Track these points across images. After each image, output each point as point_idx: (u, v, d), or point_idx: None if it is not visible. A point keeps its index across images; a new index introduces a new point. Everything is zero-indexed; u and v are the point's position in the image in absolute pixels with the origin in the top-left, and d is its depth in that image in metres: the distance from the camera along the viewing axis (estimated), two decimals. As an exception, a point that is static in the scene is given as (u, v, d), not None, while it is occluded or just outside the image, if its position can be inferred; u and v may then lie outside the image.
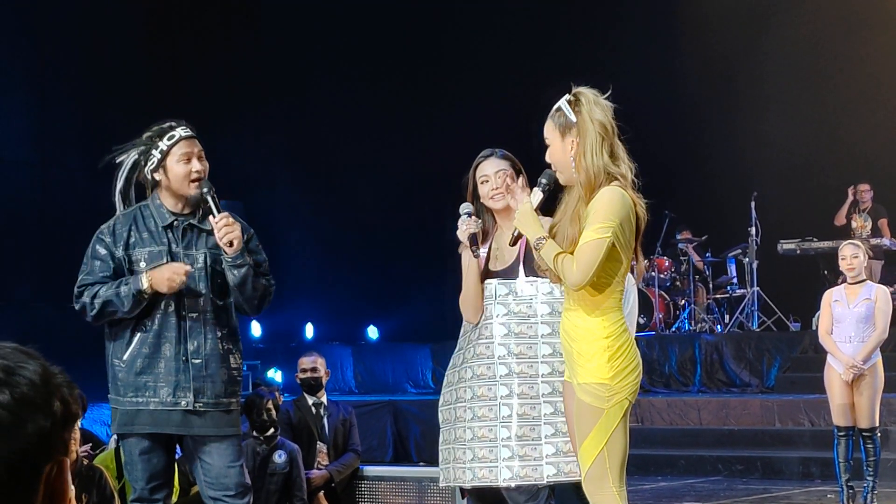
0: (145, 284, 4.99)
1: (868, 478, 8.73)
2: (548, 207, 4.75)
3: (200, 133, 5.24)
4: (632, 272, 4.70)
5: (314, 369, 9.01)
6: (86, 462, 7.68)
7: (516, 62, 17.10)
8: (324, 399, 9.01)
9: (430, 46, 17.35)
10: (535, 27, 17.46)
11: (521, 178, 5.30)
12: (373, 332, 17.90)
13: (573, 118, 4.51)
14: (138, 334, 5.10)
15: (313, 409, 8.95)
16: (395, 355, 16.23)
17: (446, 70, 17.13)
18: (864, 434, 8.65)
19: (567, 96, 4.57)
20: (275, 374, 14.52)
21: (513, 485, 4.95)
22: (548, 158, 4.63)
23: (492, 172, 5.25)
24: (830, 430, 8.96)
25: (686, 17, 16.71)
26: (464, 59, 17.17)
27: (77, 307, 5.14)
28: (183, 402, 5.05)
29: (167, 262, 5.09)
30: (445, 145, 15.02)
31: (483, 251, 5.23)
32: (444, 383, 5.33)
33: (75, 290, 5.15)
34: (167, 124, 5.18)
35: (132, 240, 5.13)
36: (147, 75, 15.16)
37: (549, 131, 4.60)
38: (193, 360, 5.07)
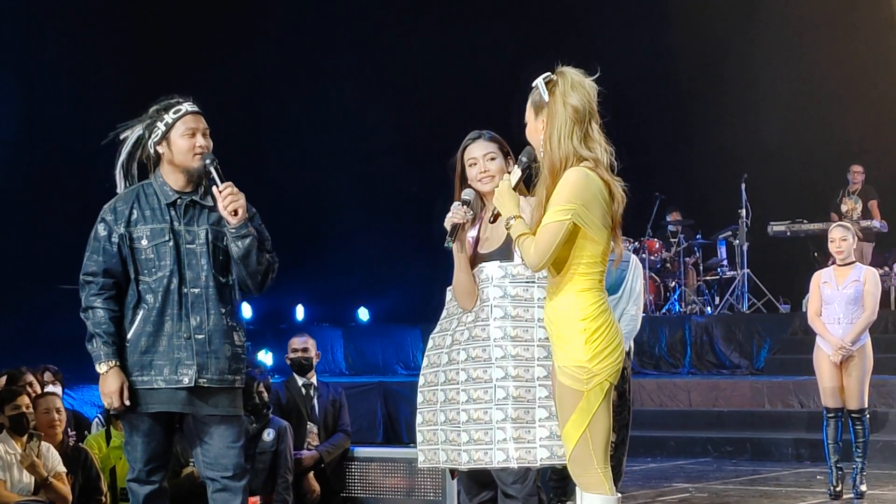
0: (99, 370, 5.07)
1: (857, 459, 8.75)
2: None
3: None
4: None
5: (305, 350, 9.01)
6: (72, 443, 7.69)
7: (503, 42, 17.06)
8: (314, 380, 9.01)
9: (420, 26, 17.32)
10: (523, 6, 17.42)
11: (510, 160, 5.28)
12: (363, 314, 17.90)
13: (546, 98, 4.46)
14: (141, 312, 5.09)
15: (303, 390, 8.95)
16: (386, 337, 16.24)
17: (434, 51, 17.07)
18: (853, 415, 8.66)
19: (546, 74, 4.51)
20: (265, 356, 14.53)
21: (508, 466, 4.95)
22: (526, 136, 4.62)
23: (480, 155, 5.23)
24: (820, 411, 8.98)
25: (677, 2, 16.68)
26: (452, 39, 17.11)
27: (81, 295, 5.15)
28: (185, 380, 5.04)
29: (169, 239, 5.09)
30: (434, 126, 15.01)
31: (472, 233, 5.21)
32: (426, 364, 5.31)
33: (81, 275, 5.13)
34: (174, 99, 5.19)
35: (134, 216, 5.11)
36: (136, 57, 15.11)
37: (527, 109, 4.58)
38: (196, 336, 5.06)
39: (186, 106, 5.16)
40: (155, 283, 5.08)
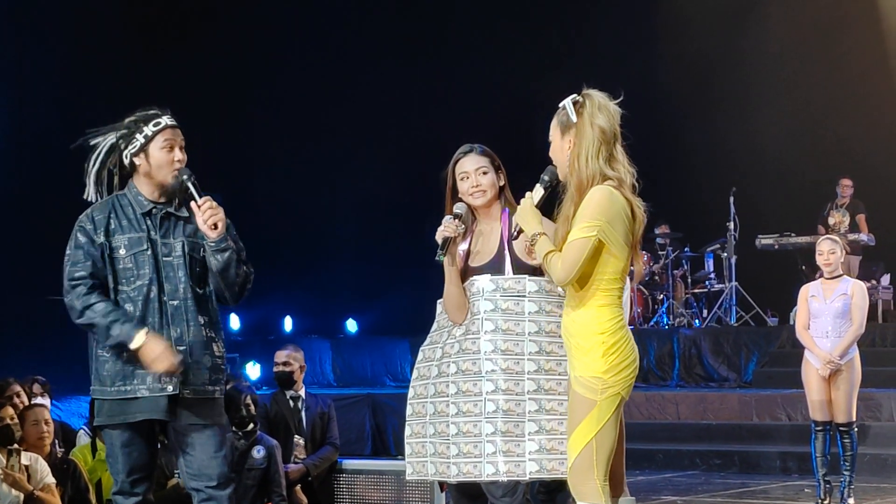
0: (135, 345, 4.96)
1: (845, 472, 8.75)
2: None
3: (179, 123, 5.22)
4: (630, 275, 4.72)
5: (287, 363, 8.97)
6: (60, 455, 7.66)
7: (494, 60, 17.10)
8: (301, 392, 8.99)
9: (412, 43, 17.33)
10: (514, 24, 17.45)
11: (501, 174, 5.29)
12: (352, 326, 17.89)
13: (574, 119, 4.56)
14: None
15: (291, 402, 8.92)
16: (374, 349, 16.23)
17: (426, 69, 17.09)
18: (841, 429, 8.67)
19: (574, 96, 4.61)
20: (253, 368, 14.52)
21: (498, 480, 4.95)
22: (550, 154, 4.69)
23: (472, 169, 5.23)
24: (808, 424, 8.98)
25: (665, 12, 16.73)
26: (443, 58, 17.15)
27: (66, 300, 5.07)
28: (169, 388, 5.00)
29: (147, 248, 5.07)
30: (423, 138, 15.01)
31: (463, 246, 5.22)
32: (416, 376, 5.31)
33: (66, 281, 5.07)
34: (153, 111, 5.18)
35: (111, 226, 5.08)
36: (125, 62, 15.08)
37: (552, 128, 4.66)
38: (178, 347, 5.03)
39: (166, 119, 5.15)
40: (134, 293, 5.05)
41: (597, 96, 4.60)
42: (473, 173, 5.22)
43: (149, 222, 5.12)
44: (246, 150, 16.55)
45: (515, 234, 4.82)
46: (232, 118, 16.08)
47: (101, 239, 5.07)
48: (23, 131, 14.61)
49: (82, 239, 5.09)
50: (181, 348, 5.04)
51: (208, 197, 5.07)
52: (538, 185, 4.77)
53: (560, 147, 4.63)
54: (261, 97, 16.72)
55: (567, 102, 4.59)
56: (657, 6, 16.95)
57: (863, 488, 9.56)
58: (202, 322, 5.14)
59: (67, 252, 5.12)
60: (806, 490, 9.89)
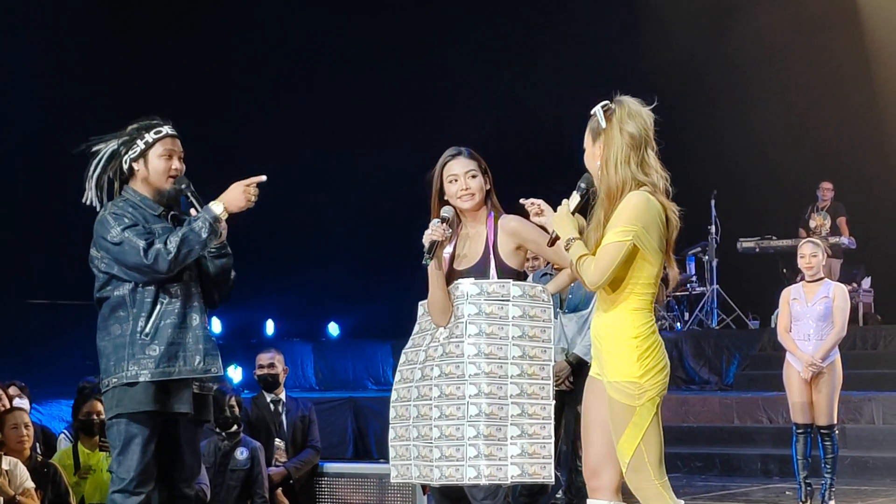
0: (219, 209, 5.12)
1: (826, 475, 8.77)
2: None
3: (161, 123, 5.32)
4: (664, 280, 4.74)
5: (271, 366, 8.99)
6: (40, 459, 7.63)
7: (477, 64, 17.12)
8: (282, 396, 8.98)
9: (402, 48, 17.32)
10: (498, 25, 17.47)
11: (487, 179, 5.29)
12: (334, 329, 17.86)
13: (603, 125, 4.58)
14: (159, 306, 5.15)
15: (272, 405, 8.92)
16: (356, 352, 16.22)
17: (412, 74, 17.08)
18: (822, 431, 8.68)
19: (605, 103, 4.62)
20: (235, 371, 14.48)
21: (479, 483, 4.94)
22: (584, 162, 4.70)
23: (461, 172, 5.23)
24: (789, 427, 9.00)
25: (648, 16, 16.76)
26: (428, 63, 17.14)
27: (149, 259, 5.06)
28: (213, 369, 5.17)
29: None
30: (408, 142, 15.01)
31: (448, 249, 5.22)
32: (398, 379, 5.32)
33: (142, 245, 5.07)
34: (155, 120, 5.30)
35: (140, 218, 5.19)
36: (108, 63, 15.06)
37: (585, 136, 4.68)
38: (201, 341, 5.19)
39: (167, 129, 5.28)
40: (173, 278, 5.16)
41: (628, 102, 4.62)
42: (463, 176, 5.22)
43: (159, 225, 5.23)
44: (227, 153, 16.50)
45: (550, 240, 4.79)
46: (213, 121, 16.03)
47: (147, 225, 5.17)
48: (5, 135, 14.56)
49: (129, 221, 5.13)
50: (213, 339, 5.24)
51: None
52: (575, 192, 4.75)
53: (591, 154, 4.64)
54: (243, 100, 16.68)
55: (597, 109, 4.61)
56: (640, 9, 16.97)
57: (844, 491, 9.58)
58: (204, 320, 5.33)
59: (116, 239, 5.11)
60: (787, 493, 9.90)
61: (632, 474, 4.54)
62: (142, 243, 5.06)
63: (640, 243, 4.48)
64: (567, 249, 4.62)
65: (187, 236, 5.07)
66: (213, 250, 5.22)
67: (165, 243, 5.06)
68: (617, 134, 4.54)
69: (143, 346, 5.12)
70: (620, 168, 4.52)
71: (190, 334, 5.16)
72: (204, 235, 5.08)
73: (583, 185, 4.73)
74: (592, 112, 4.63)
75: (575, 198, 4.74)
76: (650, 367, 4.51)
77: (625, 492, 4.66)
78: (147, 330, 5.11)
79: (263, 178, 5.20)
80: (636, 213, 4.48)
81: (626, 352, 4.51)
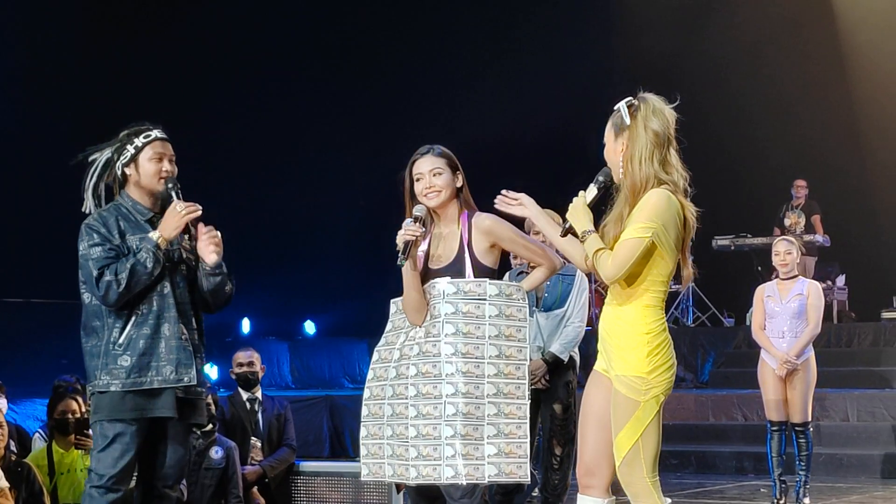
0: (156, 237, 5.19)
1: (800, 472, 8.80)
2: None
3: (137, 123, 5.42)
4: (677, 278, 4.78)
5: (251, 364, 8.98)
6: (14, 458, 7.60)
7: (450, 62, 17.12)
8: (259, 394, 8.97)
9: (373, 44, 17.31)
10: (473, 20, 17.47)
11: (458, 175, 5.28)
12: (310, 327, 17.84)
13: (627, 121, 4.59)
14: (133, 318, 5.22)
15: (248, 404, 8.91)
16: (332, 350, 16.21)
17: (386, 69, 17.08)
18: (796, 429, 8.71)
19: (629, 99, 4.64)
20: (210, 370, 14.45)
21: (457, 483, 4.94)
22: (605, 156, 4.70)
23: (426, 170, 5.22)
24: (764, 424, 9.03)
25: (623, 12, 16.78)
26: (402, 58, 17.14)
27: (100, 291, 5.17)
28: (185, 379, 5.20)
29: None
30: (382, 140, 14.99)
31: (422, 248, 5.21)
32: (371, 377, 5.32)
33: (94, 274, 5.17)
34: (145, 125, 5.41)
35: (122, 228, 5.27)
36: (86, 74, 15.01)
37: (607, 130, 4.68)
38: (185, 347, 5.26)
39: (156, 132, 5.39)
40: (148, 290, 5.23)
41: (652, 100, 4.65)
42: (428, 174, 5.21)
43: (150, 229, 5.29)
44: (203, 152, 16.47)
45: (564, 231, 4.78)
46: (190, 121, 15.99)
47: (116, 241, 5.25)
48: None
49: (97, 238, 5.23)
50: (189, 348, 5.25)
51: (212, 227, 5.34)
52: (592, 185, 4.75)
53: (613, 149, 4.65)
54: (221, 99, 16.64)
55: (622, 105, 4.63)
56: (618, 6, 16.99)
57: (818, 488, 9.63)
58: (195, 328, 5.38)
59: (82, 253, 5.25)
60: (762, 490, 9.94)
61: (625, 468, 4.55)
62: (96, 271, 5.16)
63: (658, 241, 4.51)
64: (582, 242, 4.63)
65: (135, 267, 5.15)
66: (207, 269, 5.33)
67: (116, 274, 5.14)
68: (642, 131, 4.57)
69: (115, 357, 5.20)
70: (644, 165, 4.55)
71: (163, 344, 5.21)
72: (150, 265, 5.17)
73: (601, 179, 4.74)
74: (616, 108, 4.65)
75: (592, 190, 4.74)
76: (658, 364, 4.54)
77: (614, 486, 4.66)
78: (120, 341, 5.20)
79: (198, 210, 5.27)
80: (657, 210, 4.50)
81: (636, 347, 4.54)
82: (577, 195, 4.73)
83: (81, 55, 15.11)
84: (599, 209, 4.74)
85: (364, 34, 17.39)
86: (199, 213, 5.27)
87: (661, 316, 4.60)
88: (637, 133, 4.57)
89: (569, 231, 4.75)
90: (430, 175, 5.20)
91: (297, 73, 17.16)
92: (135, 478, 5.35)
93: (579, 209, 4.69)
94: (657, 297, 4.59)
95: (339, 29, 17.39)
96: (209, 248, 5.30)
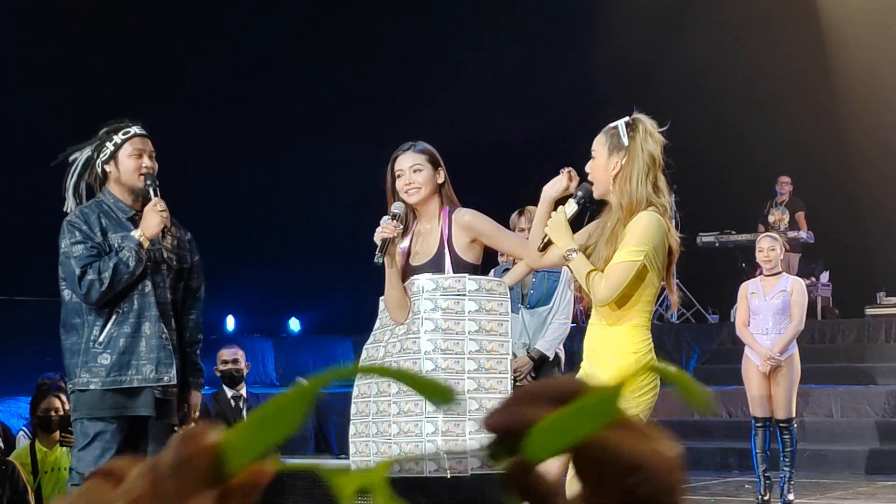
0: (138, 235, 5.19)
1: (785, 468, 8.82)
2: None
3: (116, 122, 5.41)
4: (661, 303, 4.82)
5: (235, 361, 8.96)
6: (-2, 456, 7.58)
7: (428, 60, 17.13)
8: (243, 392, 8.96)
9: (357, 43, 17.30)
10: (449, 24, 17.47)
11: (440, 171, 5.27)
12: (294, 325, 17.82)
13: (626, 142, 4.62)
14: (114, 316, 5.23)
15: (232, 401, 8.89)
16: (317, 348, 16.19)
17: (370, 68, 17.07)
18: (781, 425, 8.73)
19: (627, 119, 4.67)
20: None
21: (441, 477, 4.95)
22: (587, 169, 4.72)
23: (406, 167, 5.23)
24: (748, 421, 9.05)
25: (604, 11, 16.79)
26: (386, 58, 17.14)
27: (83, 290, 5.19)
28: (165, 378, 5.20)
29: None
30: (367, 137, 14.98)
31: (403, 244, 5.21)
32: (360, 375, 5.31)
33: (76, 272, 5.19)
34: (123, 122, 5.41)
35: (104, 225, 5.27)
36: (68, 72, 14.97)
37: (599, 145, 4.69)
38: (166, 346, 5.27)
39: (135, 129, 5.39)
40: (129, 288, 5.24)
41: (647, 121, 4.69)
42: (408, 171, 5.21)
43: (132, 226, 5.30)
44: (184, 149, 16.44)
45: (542, 246, 4.79)
46: (168, 116, 15.97)
47: (98, 238, 5.26)
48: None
49: (79, 236, 5.25)
50: (169, 347, 5.26)
51: (159, 199, 5.28)
52: (571, 201, 4.77)
53: (604, 165, 4.65)
54: (204, 98, 16.61)
55: (621, 125, 4.65)
56: (595, 7, 17.00)
57: (802, 484, 9.64)
58: (175, 327, 5.40)
59: (64, 250, 5.28)
60: (746, 486, 9.96)
61: None
62: (79, 269, 5.17)
63: (649, 263, 4.55)
64: (568, 260, 4.64)
65: (118, 267, 5.16)
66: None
67: (99, 273, 5.16)
68: (639, 152, 4.60)
69: (95, 355, 5.21)
70: (641, 186, 4.57)
71: (143, 343, 5.22)
72: (132, 265, 5.18)
73: (580, 195, 4.76)
74: (613, 125, 4.67)
75: (572, 205, 4.77)
76: (642, 385, 4.54)
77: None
78: (101, 339, 5.22)
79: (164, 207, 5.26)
80: (647, 233, 4.53)
81: (623, 366, 4.55)
82: (556, 210, 4.75)
83: (63, 52, 15.06)
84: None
85: (347, 34, 17.39)
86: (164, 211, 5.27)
87: (648, 336, 4.65)
88: (636, 154, 4.60)
89: (548, 245, 4.77)
90: (411, 171, 5.20)
91: (281, 71, 17.14)
92: None
93: (561, 225, 4.71)
94: (645, 318, 4.64)
95: (324, 28, 17.39)
96: (159, 216, 5.25)
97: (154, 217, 5.20)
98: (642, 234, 4.52)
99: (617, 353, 4.59)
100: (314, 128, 16.99)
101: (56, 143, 5.53)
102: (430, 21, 17.39)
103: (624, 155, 4.60)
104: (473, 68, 16.94)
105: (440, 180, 5.26)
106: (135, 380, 5.19)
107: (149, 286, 5.26)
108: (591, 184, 4.72)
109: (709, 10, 16.63)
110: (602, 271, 4.55)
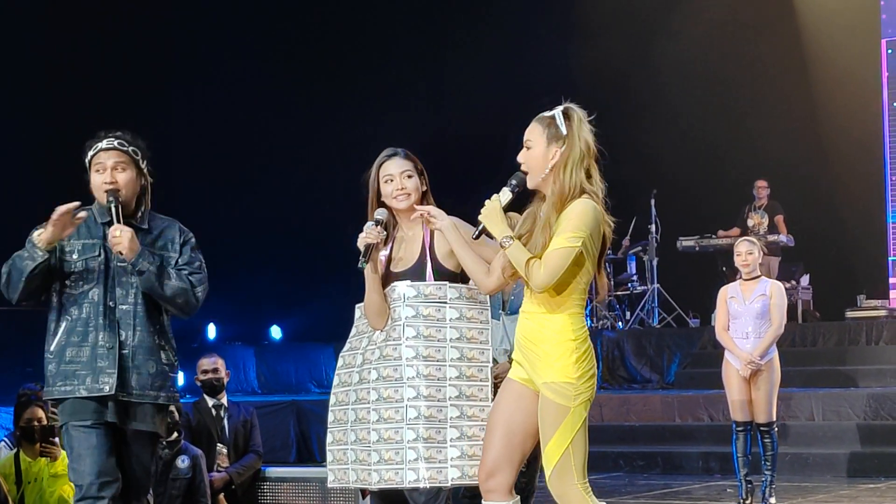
0: (34, 234, 5.15)
1: (766, 472, 8.84)
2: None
3: (98, 130, 5.38)
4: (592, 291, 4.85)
5: (215, 370, 8.95)
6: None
7: (408, 66, 17.15)
8: (224, 400, 8.94)
9: (335, 50, 17.30)
10: (426, 24, 17.49)
11: (423, 180, 5.29)
12: (276, 332, 17.80)
13: (564, 131, 4.64)
14: (63, 324, 5.20)
15: (213, 410, 8.87)
16: (299, 355, 16.17)
17: (348, 73, 17.07)
18: (761, 429, 8.75)
19: (563, 108, 4.70)
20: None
21: (419, 486, 4.95)
22: (521, 159, 4.72)
23: (397, 172, 5.23)
24: (729, 425, 9.06)
25: (582, 15, 16.81)
26: (364, 63, 17.14)
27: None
28: (105, 388, 5.11)
29: (99, 254, 5.25)
30: (347, 144, 14.98)
31: (384, 252, 5.21)
32: (336, 383, 5.33)
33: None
34: (97, 136, 5.37)
35: (78, 229, 5.24)
36: (53, 72, 14.94)
37: (535, 135, 4.69)
38: (122, 351, 5.17)
39: (102, 143, 5.32)
40: (80, 296, 5.20)
41: (579, 111, 4.72)
42: (399, 176, 5.22)
43: (106, 231, 5.25)
44: (167, 156, 16.39)
45: (477, 233, 4.81)
46: (154, 125, 15.92)
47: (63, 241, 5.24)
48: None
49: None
50: (124, 351, 5.18)
51: (117, 224, 5.18)
52: (505, 189, 4.78)
53: (542, 154, 4.67)
54: (185, 105, 16.59)
55: (558, 113, 4.67)
56: (573, 9, 17.02)
57: (784, 487, 9.67)
58: (151, 329, 5.28)
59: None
60: (728, 490, 9.98)
61: (556, 479, 4.58)
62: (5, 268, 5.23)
63: (585, 250, 4.57)
64: (504, 248, 4.65)
65: (14, 262, 5.18)
66: (129, 266, 5.23)
67: (8, 268, 5.20)
68: (577, 140, 4.64)
69: (47, 364, 5.23)
70: (575, 174, 4.61)
71: (89, 352, 5.17)
72: (25, 261, 5.13)
73: (514, 183, 4.78)
74: (551, 114, 4.69)
75: (506, 194, 4.78)
76: (586, 370, 4.60)
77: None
78: (52, 349, 5.22)
79: (75, 204, 5.20)
80: (584, 220, 4.56)
81: (564, 353, 4.58)
82: (489, 198, 4.76)
83: (48, 54, 15.03)
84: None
85: (325, 39, 17.38)
86: (75, 206, 5.19)
87: (584, 323, 4.67)
88: (573, 142, 4.63)
89: (482, 233, 4.80)
90: (401, 177, 5.21)
91: (262, 77, 17.13)
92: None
93: (496, 213, 4.72)
94: (581, 305, 4.66)
95: (303, 34, 17.38)
96: (114, 249, 5.19)
97: (50, 223, 5.14)
98: (579, 220, 4.55)
99: (556, 341, 4.60)
100: (296, 136, 16.98)
101: (46, 146, 5.55)
102: (408, 22, 17.40)
103: (563, 144, 4.63)
104: (454, 65, 16.96)
105: (424, 188, 5.28)
106: (80, 389, 5.14)
107: (98, 294, 5.20)
108: (525, 173, 4.72)
109: (687, 13, 16.66)
110: (540, 258, 4.56)
